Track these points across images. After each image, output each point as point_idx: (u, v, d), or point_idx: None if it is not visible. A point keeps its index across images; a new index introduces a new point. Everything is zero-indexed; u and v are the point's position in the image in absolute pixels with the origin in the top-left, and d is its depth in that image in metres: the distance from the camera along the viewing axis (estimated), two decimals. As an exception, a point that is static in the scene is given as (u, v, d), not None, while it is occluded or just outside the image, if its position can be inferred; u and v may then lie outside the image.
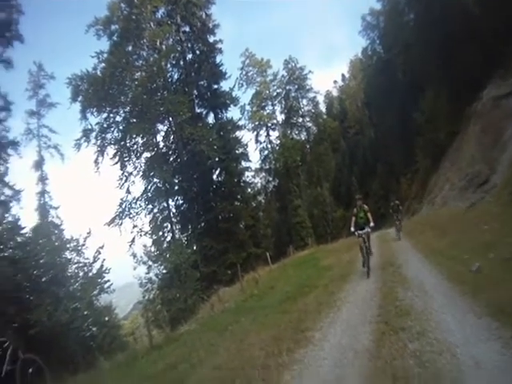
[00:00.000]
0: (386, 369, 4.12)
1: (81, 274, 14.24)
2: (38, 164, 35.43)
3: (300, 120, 60.86)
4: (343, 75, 76.13)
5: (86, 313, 13.21)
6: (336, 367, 4.66)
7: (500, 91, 20.28)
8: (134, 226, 33.50)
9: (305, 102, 61.52)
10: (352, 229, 10.75)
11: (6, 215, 19.15)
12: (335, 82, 76.80)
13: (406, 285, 8.00)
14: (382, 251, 14.26)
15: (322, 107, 68.59)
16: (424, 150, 32.31)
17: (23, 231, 13.40)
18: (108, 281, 14.55)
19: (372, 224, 10.68)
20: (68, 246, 14.40)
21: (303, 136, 60.96)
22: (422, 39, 27.18)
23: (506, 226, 10.12)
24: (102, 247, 15.12)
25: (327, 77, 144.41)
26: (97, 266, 14.55)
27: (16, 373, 6.63)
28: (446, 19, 22.63)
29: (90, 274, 14.31)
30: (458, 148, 25.12)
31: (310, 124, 62.35)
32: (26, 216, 51.36)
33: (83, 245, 14.68)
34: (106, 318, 14.70)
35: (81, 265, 14.37)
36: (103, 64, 32.86)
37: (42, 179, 34.95)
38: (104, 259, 14.82)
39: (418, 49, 29.28)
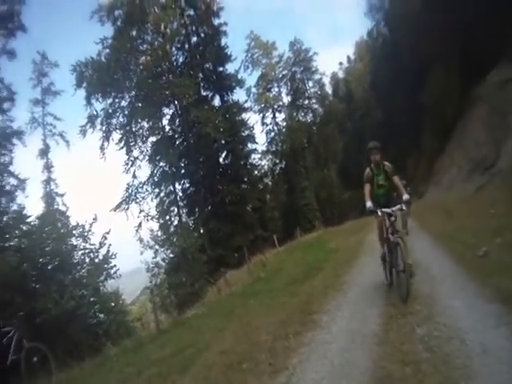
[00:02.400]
0: (395, 353, 4.09)
1: (87, 260, 14.18)
2: (44, 152, 36.31)
3: (306, 102, 60.41)
4: (348, 57, 75.09)
5: (92, 299, 13.18)
6: (344, 351, 4.63)
7: (505, 75, 20.09)
8: (141, 211, 34.35)
9: (311, 83, 61.16)
10: (368, 204, 6.18)
11: (11, 204, 19.20)
12: (341, 63, 75.82)
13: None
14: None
15: (328, 89, 68.07)
16: (430, 132, 32.05)
17: (29, 219, 13.31)
18: (115, 266, 14.54)
19: (406, 196, 6.28)
20: (74, 232, 14.29)
21: (309, 118, 60.51)
22: (430, 21, 26.62)
23: (513, 210, 9.96)
24: (108, 232, 15.01)
25: (332, 57, 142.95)
26: (103, 251, 14.49)
27: (21, 362, 6.71)
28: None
29: (97, 260, 14.25)
30: (464, 130, 25.08)
31: (316, 106, 61.86)
32: (32, 204, 52.98)
33: (89, 231, 14.55)
34: (113, 304, 14.62)
35: (87, 251, 14.28)
36: (107, 50, 33.01)
37: (48, 167, 35.86)
38: (110, 244, 14.74)
39: (425, 30, 28.69)
